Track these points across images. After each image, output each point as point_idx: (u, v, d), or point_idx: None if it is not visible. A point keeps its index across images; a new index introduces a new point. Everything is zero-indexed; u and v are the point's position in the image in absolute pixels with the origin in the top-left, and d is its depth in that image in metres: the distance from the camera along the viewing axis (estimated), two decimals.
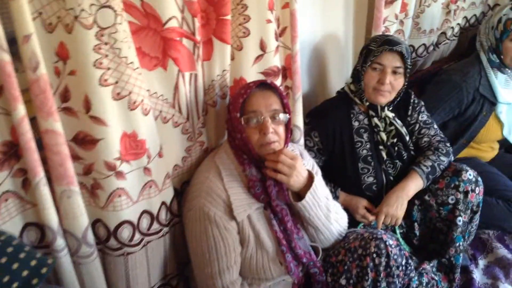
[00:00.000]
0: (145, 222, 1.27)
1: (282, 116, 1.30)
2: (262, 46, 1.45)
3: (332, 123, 1.68)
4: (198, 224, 1.27)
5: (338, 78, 1.99)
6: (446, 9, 2.33)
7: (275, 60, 1.51)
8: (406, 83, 1.64)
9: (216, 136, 1.48)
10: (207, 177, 1.30)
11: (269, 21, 1.42)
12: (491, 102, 1.94)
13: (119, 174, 1.15)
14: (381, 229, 1.60)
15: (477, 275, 1.69)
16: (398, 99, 1.66)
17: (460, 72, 1.94)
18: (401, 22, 2.09)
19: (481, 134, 2.01)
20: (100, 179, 1.14)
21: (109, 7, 1.03)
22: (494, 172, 1.99)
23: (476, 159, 2.07)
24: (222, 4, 1.31)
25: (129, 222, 1.22)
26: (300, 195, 1.31)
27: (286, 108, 1.32)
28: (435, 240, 1.68)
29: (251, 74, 1.48)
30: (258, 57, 1.47)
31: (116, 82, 1.09)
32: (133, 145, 1.16)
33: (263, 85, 1.31)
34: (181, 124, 1.35)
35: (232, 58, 1.44)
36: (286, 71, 1.59)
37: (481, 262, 1.76)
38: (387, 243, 1.30)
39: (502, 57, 1.87)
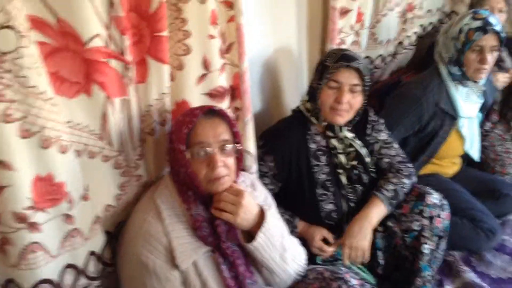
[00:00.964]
0: (68, 278, 1.09)
1: (232, 147, 1.16)
2: (206, 65, 1.31)
3: (288, 145, 1.55)
4: (135, 275, 1.11)
5: (294, 95, 1.87)
6: (402, 18, 2.27)
7: (221, 80, 1.36)
8: (365, 101, 1.53)
9: (156, 168, 1.31)
10: (145, 219, 1.14)
11: (212, 37, 1.28)
12: (452, 116, 1.87)
13: (33, 226, 0.97)
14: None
15: None
16: (357, 118, 1.55)
17: (420, 86, 1.86)
18: (357, 33, 2.00)
19: (443, 150, 1.94)
20: (8, 234, 0.95)
21: (9, 27, 0.85)
22: (458, 189, 1.93)
23: (438, 175, 2.00)
24: (157, 19, 1.16)
25: (48, 281, 1.03)
26: (252, 234, 1.16)
27: (236, 138, 1.19)
28: (400, 269, 1.58)
29: (195, 96, 1.32)
30: (202, 77, 1.32)
31: (24, 117, 0.91)
32: (49, 190, 0.98)
33: (210, 112, 1.17)
34: (112, 158, 1.17)
35: (172, 79, 1.28)
36: (235, 91, 1.44)
37: None
38: (350, 283, 1.17)
39: (464, 69, 1.80)
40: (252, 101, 1.57)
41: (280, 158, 1.54)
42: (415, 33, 2.48)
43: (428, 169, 1.99)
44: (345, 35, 1.89)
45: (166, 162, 1.28)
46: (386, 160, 1.63)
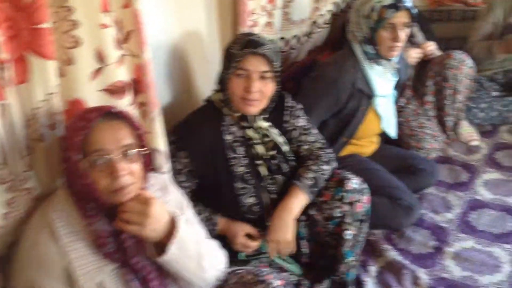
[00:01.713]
0: None
1: (136, 152, 1.05)
2: (100, 57, 1.17)
3: (201, 138, 1.46)
4: None
5: (207, 84, 1.75)
6: None
7: (120, 73, 1.23)
8: (279, 87, 1.47)
9: (50, 178, 1.17)
10: (37, 240, 1.00)
11: (104, 26, 1.14)
12: (369, 96, 1.87)
13: None
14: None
15: (370, 285, 1.62)
16: (272, 106, 1.49)
17: (335, 67, 1.84)
18: (270, 14, 1.92)
19: (361, 130, 1.94)
20: None
21: None
22: (376, 168, 1.95)
23: (357, 155, 2.01)
24: (34, 9, 1.00)
25: None
26: (163, 245, 1.07)
27: (141, 141, 1.08)
28: (325, 256, 1.57)
29: (90, 94, 1.18)
30: (97, 71, 1.18)
31: None
32: None
33: (109, 115, 1.05)
34: None
35: (62, 76, 1.13)
36: (138, 85, 1.31)
37: (373, 269, 1.70)
38: (272, 285, 1.13)
39: (377, 47, 1.79)
40: (160, 94, 1.46)
41: (195, 153, 1.46)
42: (329, 11, 2.45)
43: (347, 150, 1.99)
44: (257, 17, 1.81)
45: (61, 170, 1.15)
46: (305, 147, 1.60)
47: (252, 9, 1.77)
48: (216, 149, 1.47)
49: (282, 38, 2.14)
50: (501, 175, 2.18)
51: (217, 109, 1.49)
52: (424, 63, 2.42)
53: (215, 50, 1.80)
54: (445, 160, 2.33)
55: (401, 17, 1.72)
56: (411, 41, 2.39)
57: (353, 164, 1.95)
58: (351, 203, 1.47)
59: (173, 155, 1.44)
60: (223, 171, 1.48)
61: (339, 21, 2.58)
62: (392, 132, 2.01)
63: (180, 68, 1.67)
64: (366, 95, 1.86)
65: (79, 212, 1.04)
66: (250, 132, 1.48)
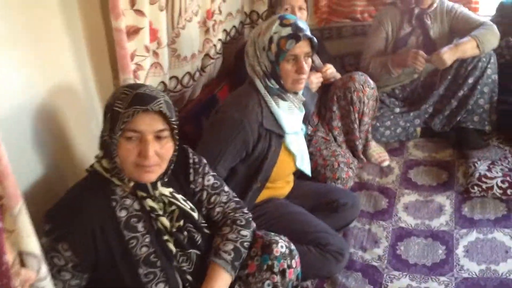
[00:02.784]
0: None
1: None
2: None
3: (87, 221, 1.16)
4: None
5: (91, 145, 1.45)
6: (204, 27, 2.03)
7: None
8: (177, 145, 1.24)
9: None
10: None
11: None
12: (279, 135, 1.71)
13: None
14: None
15: None
16: (172, 167, 1.25)
17: (238, 108, 1.64)
18: (156, 54, 1.68)
19: (275, 172, 1.76)
20: None
21: None
22: (297, 211, 1.80)
23: (274, 199, 1.84)
24: None
25: None
26: None
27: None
28: None
29: None
30: None
31: None
32: None
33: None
34: None
35: None
36: None
37: None
38: None
39: (281, 82, 1.64)
40: (31, 168, 1.18)
41: (79, 241, 1.15)
42: (220, 40, 2.28)
43: (262, 195, 1.80)
44: (141, 59, 1.56)
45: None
46: (218, 209, 1.38)
47: (134, 51, 1.51)
48: (108, 231, 1.18)
49: (173, 78, 1.90)
50: (418, 195, 2.14)
51: (104, 180, 1.21)
52: (326, 87, 2.34)
53: (95, 103, 1.52)
54: (361, 186, 2.26)
55: (302, 47, 1.58)
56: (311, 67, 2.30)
57: (271, 210, 1.78)
58: (282, 272, 1.27)
59: (51, 249, 1.13)
60: (121, 257, 1.20)
61: (231, 50, 2.43)
62: (308, 169, 1.86)
63: (52, 131, 1.35)
64: (276, 134, 1.69)
65: None
66: (149, 203, 1.22)
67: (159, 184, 1.23)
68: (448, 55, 2.25)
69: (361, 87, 2.17)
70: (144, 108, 1.10)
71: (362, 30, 3.01)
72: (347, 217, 1.92)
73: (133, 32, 1.50)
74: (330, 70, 2.27)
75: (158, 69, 1.71)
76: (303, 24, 1.60)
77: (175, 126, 1.18)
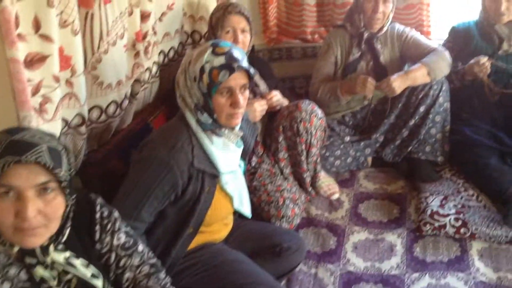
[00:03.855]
0: None
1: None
2: None
3: None
4: None
5: None
6: (132, 51, 1.84)
7: None
8: (72, 199, 1.05)
9: None
10: None
11: None
12: (213, 175, 1.54)
13: None
14: None
15: None
16: (70, 224, 1.06)
17: (166, 146, 1.46)
18: (69, 83, 1.48)
19: (210, 216, 1.58)
20: None
21: None
22: (235, 259, 1.61)
23: (210, 245, 1.65)
24: None
25: None
26: None
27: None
28: None
29: None
30: None
31: None
32: None
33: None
34: None
35: None
36: None
37: None
38: None
39: (214, 116, 1.47)
40: None
41: None
42: (155, 62, 2.10)
43: (196, 241, 1.62)
44: (49, 90, 1.36)
45: None
46: (128, 274, 1.18)
47: (40, 82, 1.31)
48: None
49: (96, 107, 1.71)
50: (368, 233, 2.02)
51: None
52: (272, 115, 2.19)
53: None
54: (309, 222, 2.12)
55: (238, 79, 1.43)
56: (254, 91, 2.15)
57: (205, 259, 1.60)
58: None
59: None
60: None
61: (170, 72, 2.26)
62: (247, 210, 1.70)
63: None
64: (209, 174, 1.52)
65: None
66: (40, 272, 1.02)
67: (51, 248, 1.03)
68: (398, 82, 2.16)
69: (308, 117, 2.04)
70: (16, 159, 0.91)
71: (313, 52, 2.92)
72: (291, 262, 1.76)
73: (38, 60, 1.30)
74: (276, 97, 2.13)
75: (73, 100, 1.51)
76: (239, 53, 1.45)
77: (63, 179, 0.98)
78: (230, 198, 1.63)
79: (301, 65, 2.97)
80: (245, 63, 1.43)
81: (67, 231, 1.06)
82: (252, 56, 2.30)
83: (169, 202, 1.50)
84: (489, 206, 1.99)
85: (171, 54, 2.34)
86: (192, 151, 1.48)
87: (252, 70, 1.45)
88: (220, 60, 1.41)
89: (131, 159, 1.56)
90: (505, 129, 2.23)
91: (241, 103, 1.45)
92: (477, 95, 2.30)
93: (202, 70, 1.43)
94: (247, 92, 1.49)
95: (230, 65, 1.40)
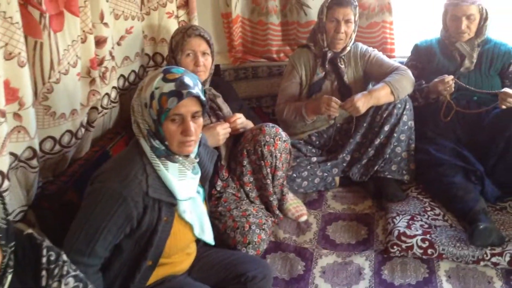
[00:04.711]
0: None
1: None
2: None
3: None
4: None
5: None
6: (87, 78, 1.81)
7: None
8: (10, 246, 1.00)
9: None
10: None
11: None
12: (170, 203, 1.50)
13: None
14: None
15: None
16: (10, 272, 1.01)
17: (118, 176, 1.42)
18: (17, 116, 1.43)
19: (169, 246, 1.54)
20: None
21: None
22: None
23: (171, 278, 1.61)
24: None
25: None
26: None
27: None
28: None
29: None
30: None
31: None
32: None
33: None
34: None
35: None
36: None
37: None
38: None
39: (166, 143, 1.45)
40: None
41: None
42: (114, 88, 2.07)
43: (156, 274, 1.58)
44: None
45: None
46: None
47: None
48: None
49: (49, 138, 1.66)
50: (336, 256, 2.00)
51: None
52: (237, 138, 2.18)
53: None
54: (277, 246, 2.09)
55: (188, 106, 1.41)
56: (217, 115, 2.13)
57: None
58: None
59: None
60: None
61: (130, 97, 2.22)
62: (209, 238, 1.67)
63: None
64: (166, 203, 1.49)
65: None
66: None
67: None
68: (362, 102, 2.17)
69: (272, 140, 2.03)
70: None
71: (279, 71, 2.92)
72: None
73: None
74: (240, 120, 2.11)
75: (22, 133, 1.47)
76: (190, 80, 1.43)
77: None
78: (190, 227, 1.60)
79: (268, 84, 2.98)
80: (196, 90, 1.42)
81: (8, 279, 1.01)
82: (216, 78, 2.28)
83: (125, 235, 1.46)
84: (455, 225, 2.00)
85: (132, 77, 2.31)
86: (147, 180, 1.44)
87: (203, 97, 1.43)
88: (170, 87, 1.39)
89: (84, 192, 1.51)
90: (469, 147, 2.26)
91: (192, 131, 1.43)
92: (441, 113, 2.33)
93: (152, 96, 1.41)
94: (200, 120, 1.47)
95: (179, 92, 1.38)
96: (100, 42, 1.88)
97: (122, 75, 2.21)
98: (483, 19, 2.27)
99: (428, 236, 1.93)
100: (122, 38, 2.15)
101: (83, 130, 1.83)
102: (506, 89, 2.13)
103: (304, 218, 2.25)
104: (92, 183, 1.46)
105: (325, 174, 2.42)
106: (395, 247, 1.93)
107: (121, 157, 1.52)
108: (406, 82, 2.24)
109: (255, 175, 2.13)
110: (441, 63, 2.38)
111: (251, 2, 2.89)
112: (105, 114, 2.04)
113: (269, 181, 2.11)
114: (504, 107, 2.10)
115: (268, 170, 2.08)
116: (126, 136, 2.12)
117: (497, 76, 2.34)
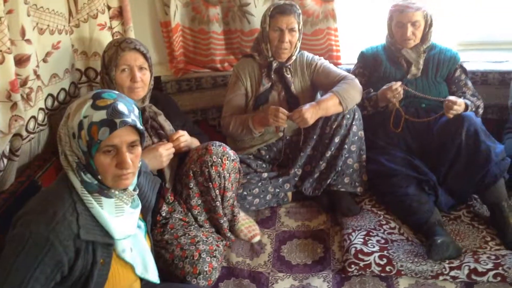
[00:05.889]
0: None
1: None
2: None
3: None
4: None
5: None
6: (8, 103, 1.62)
7: None
8: None
9: None
10: None
11: None
12: (106, 244, 1.34)
13: None
14: None
15: None
16: None
17: (44, 218, 1.24)
18: None
19: None
20: None
21: None
22: None
23: None
24: None
25: None
26: None
27: None
28: None
29: None
30: None
31: None
32: None
33: None
34: None
35: None
36: None
37: None
38: None
39: (99, 177, 1.28)
40: None
41: None
42: (41, 109, 1.87)
43: None
44: None
45: None
46: None
47: None
48: None
49: None
50: (293, 279, 1.89)
51: None
52: (181, 158, 2.03)
53: None
54: (230, 272, 1.96)
55: (123, 136, 1.26)
56: (158, 134, 1.98)
57: None
58: None
59: None
60: None
61: (60, 117, 2.01)
62: (154, 277, 1.51)
63: None
64: (102, 244, 1.32)
65: None
66: None
67: None
68: (310, 113, 2.08)
69: (220, 160, 1.89)
70: None
71: (223, 81, 2.80)
72: None
73: None
74: (184, 137, 1.96)
75: None
76: (125, 106, 1.27)
77: None
78: (131, 266, 1.44)
79: (212, 95, 2.85)
80: (132, 117, 1.27)
81: None
82: (156, 92, 2.12)
83: (56, 283, 1.28)
84: (411, 238, 1.95)
85: (62, 96, 2.11)
86: (77, 220, 1.27)
87: (140, 126, 1.28)
88: (101, 115, 1.23)
89: (7, 236, 1.32)
90: (420, 156, 2.23)
91: (129, 163, 1.28)
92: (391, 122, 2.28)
93: (80, 125, 1.25)
94: (138, 149, 1.32)
95: (111, 121, 1.23)
96: (22, 61, 1.69)
97: (50, 94, 2.01)
98: (428, 25, 2.25)
99: (385, 252, 1.86)
100: (48, 54, 1.95)
101: (5, 160, 1.62)
102: (450, 97, 2.11)
103: (257, 239, 2.13)
104: (15, 225, 1.27)
105: (277, 190, 2.31)
106: (352, 266, 1.84)
107: (47, 194, 1.34)
108: (354, 92, 2.18)
109: (203, 197, 1.99)
110: (388, 70, 2.34)
111: (191, 10, 2.75)
112: (31, 139, 1.84)
113: (218, 203, 1.97)
114: (450, 115, 2.07)
115: (217, 192, 1.94)
116: (57, 163, 1.92)
117: (443, 82, 2.32)
